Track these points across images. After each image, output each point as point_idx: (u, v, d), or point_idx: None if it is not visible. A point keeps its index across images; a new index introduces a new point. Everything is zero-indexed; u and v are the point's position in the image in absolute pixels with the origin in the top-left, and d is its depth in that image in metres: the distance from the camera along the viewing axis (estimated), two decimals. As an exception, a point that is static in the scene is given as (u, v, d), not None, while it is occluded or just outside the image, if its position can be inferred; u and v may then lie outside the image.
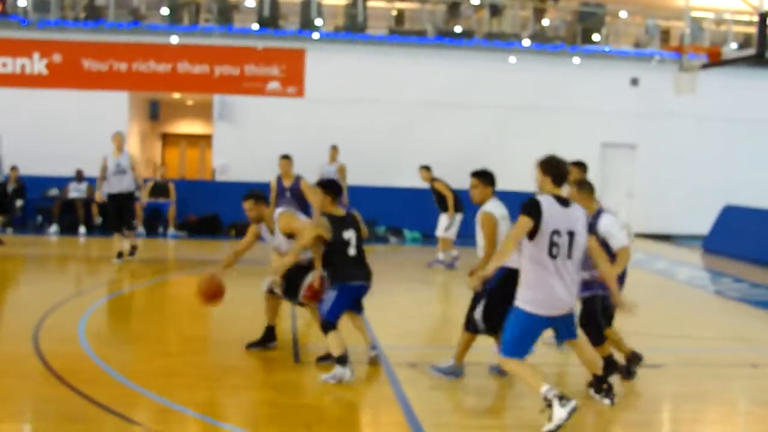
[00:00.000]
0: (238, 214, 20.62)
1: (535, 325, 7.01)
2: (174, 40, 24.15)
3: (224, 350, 9.94)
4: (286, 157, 14.80)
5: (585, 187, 8.42)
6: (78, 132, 22.48)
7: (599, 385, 7.77)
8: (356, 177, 22.28)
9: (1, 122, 21.72)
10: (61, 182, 22.30)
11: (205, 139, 26.70)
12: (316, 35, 24.58)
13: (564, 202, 7.01)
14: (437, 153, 22.72)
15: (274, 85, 24.29)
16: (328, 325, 8.39)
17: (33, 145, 21.04)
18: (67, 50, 23.87)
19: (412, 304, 13.19)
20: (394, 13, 27.72)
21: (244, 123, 23.66)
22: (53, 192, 22.44)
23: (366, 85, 24.23)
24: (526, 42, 25.60)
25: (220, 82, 24.28)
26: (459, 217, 16.68)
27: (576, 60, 25.33)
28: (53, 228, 21.51)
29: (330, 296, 8.52)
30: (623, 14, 28.74)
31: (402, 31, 26.16)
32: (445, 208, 16.62)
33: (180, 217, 22.33)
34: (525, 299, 6.96)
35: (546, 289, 6.91)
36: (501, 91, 24.64)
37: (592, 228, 7.90)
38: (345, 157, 20.77)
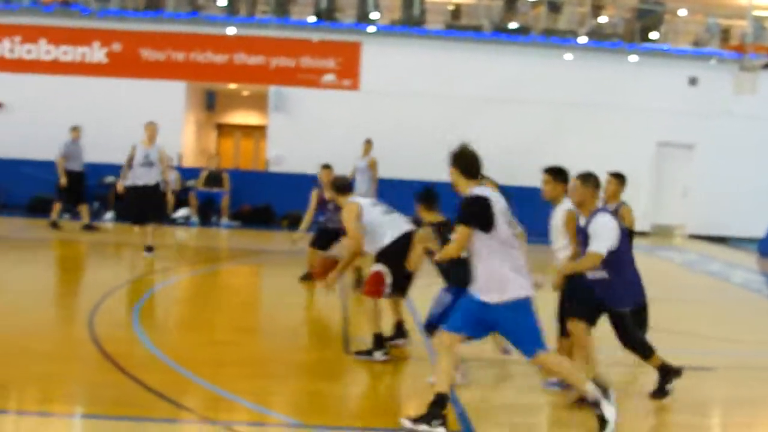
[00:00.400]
0: (291, 205, 20.92)
1: None
2: (231, 31, 24.31)
3: (275, 339, 10.02)
4: (327, 167, 13.47)
5: (589, 181, 8.02)
6: (135, 120, 22.55)
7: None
8: (410, 171, 22.24)
9: (61, 109, 22.04)
10: (118, 170, 22.48)
11: (260, 130, 26.84)
12: (372, 29, 24.61)
13: None
14: (490, 149, 22.52)
15: (329, 77, 24.36)
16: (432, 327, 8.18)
17: (91, 132, 21.24)
18: (126, 39, 24.15)
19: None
20: (451, 7, 27.65)
21: (299, 114, 23.75)
22: (110, 179, 22.69)
23: (421, 80, 24.20)
24: (583, 39, 25.40)
25: (275, 74, 24.40)
26: None
27: (633, 58, 25.07)
28: (109, 215, 21.79)
29: (445, 300, 8.28)
30: (683, 12, 28.39)
31: (458, 26, 26.08)
32: None
33: (233, 207, 22.50)
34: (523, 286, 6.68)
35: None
36: (556, 88, 24.44)
37: (585, 228, 7.60)
38: (398, 151, 20.83)
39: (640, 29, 26.30)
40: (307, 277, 12.62)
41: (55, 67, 24.09)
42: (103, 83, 23.69)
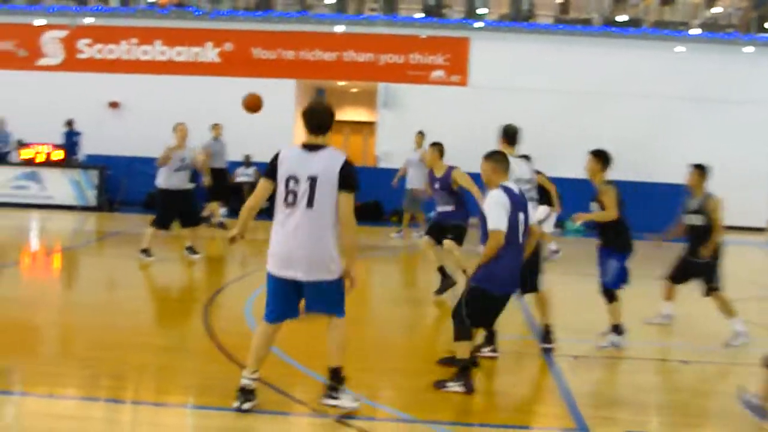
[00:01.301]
0: (400, 201, 20.96)
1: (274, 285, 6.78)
2: (339, 28, 24.51)
3: (386, 334, 10.08)
4: (435, 145, 13.00)
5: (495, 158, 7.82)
6: (247, 119, 22.98)
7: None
8: (518, 166, 22.15)
9: (175, 108, 22.52)
10: (230, 167, 22.95)
11: (369, 127, 26.99)
12: (480, 24, 24.51)
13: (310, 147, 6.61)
14: (600, 143, 22.30)
15: (438, 73, 24.36)
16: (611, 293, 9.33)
17: (203, 130, 21.68)
18: (237, 39, 24.58)
19: (573, 296, 13.01)
20: (560, 1, 27.34)
21: (408, 111, 23.81)
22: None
23: (530, 74, 23.99)
24: (696, 30, 24.82)
25: (384, 70, 24.50)
26: (554, 212, 16.40)
27: (749, 49, 24.39)
28: (222, 211, 22.15)
29: (613, 266, 9.32)
30: (802, 0, 27.52)
31: (567, 20, 25.78)
32: (543, 201, 16.28)
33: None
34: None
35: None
36: (667, 82, 23.95)
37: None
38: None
39: (756, 19, 25.55)
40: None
41: (169, 67, 24.69)
42: (215, 82, 24.16)
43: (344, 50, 24.59)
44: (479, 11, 25.14)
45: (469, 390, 7.44)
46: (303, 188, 6.42)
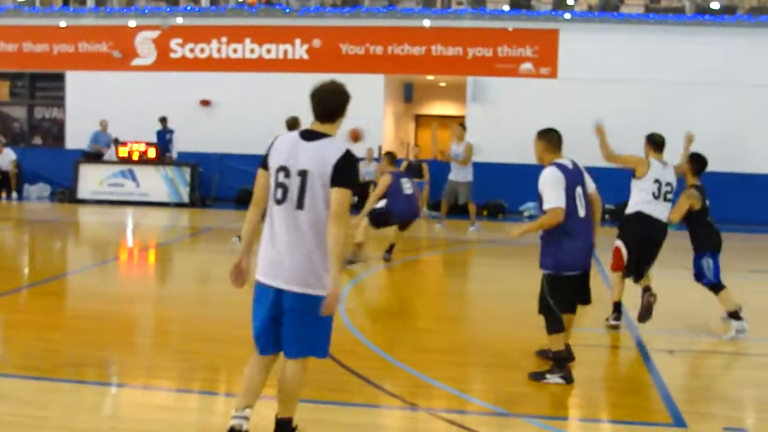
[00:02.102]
0: (491, 194, 20.89)
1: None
2: (427, 23, 24.49)
3: (478, 328, 10.09)
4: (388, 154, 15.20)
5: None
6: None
7: None
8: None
9: (265, 105, 22.80)
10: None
11: (458, 120, 26.91)
12: (568, 15, 24.25)
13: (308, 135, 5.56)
14: (698, 134, 21.97)
15: (527, 66, 24.18)
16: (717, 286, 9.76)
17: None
18: (326, 35, 24.74)
19: (669, 290, 12.81)
20: (651, -10, 26.90)
21: (497, 104, 23.68)
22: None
23: (621, 65, 23.64)
24: (793, 16, 24.17)
25: (472, 64, 24.42)
26: None
27: None
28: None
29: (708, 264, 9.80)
30: None
31: (658, 9, 25.33)
32: None
33: (433, 197, 22.67)
34: None
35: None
36: (765, 70, 23.36)
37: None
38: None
39: None
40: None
41: (259, 65, 24.98)
42: (304, 79, 24.12)
43: (432, 44, 24.56)
44: (568, 2, 24.88)
45: (569, 381, 7.41)
46: (293, 184, 5.35)
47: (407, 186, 13.93)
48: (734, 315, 9.56)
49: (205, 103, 25.03)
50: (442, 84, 27.58)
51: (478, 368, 8.11)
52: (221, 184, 23.70)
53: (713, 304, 10.48)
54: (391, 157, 14.55)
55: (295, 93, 23.55)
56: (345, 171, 5.31)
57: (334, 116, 5.59)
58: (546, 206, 7.40)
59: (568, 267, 7.39)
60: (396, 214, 13.76)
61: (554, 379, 7.44)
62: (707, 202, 9.92)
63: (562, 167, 7.55)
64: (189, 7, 26.04)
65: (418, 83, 27.74)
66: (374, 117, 23.83)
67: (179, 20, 25.38)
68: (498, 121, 23.54)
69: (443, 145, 17.80)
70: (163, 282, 13.27)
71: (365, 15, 24.77)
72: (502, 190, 19.88)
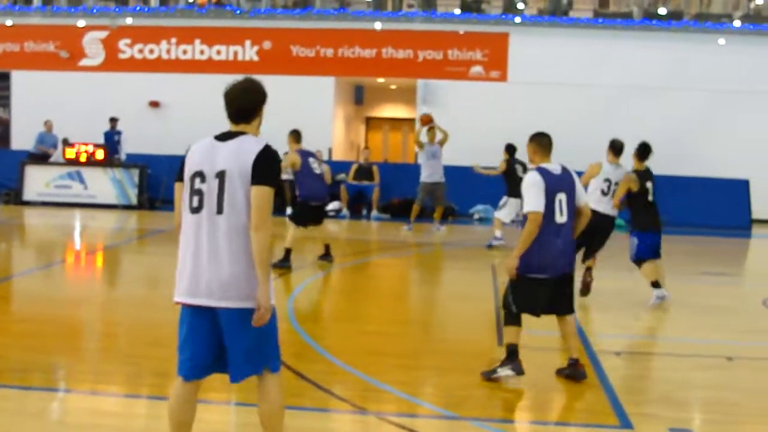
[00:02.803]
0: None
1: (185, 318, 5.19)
2: (378, 26, 24.51)
3: (427, 331, 10.10)
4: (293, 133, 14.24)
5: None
6: (286, 116, 23.11)
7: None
8: (559, 161, 22.03)
9: (215, 107, 22.58)
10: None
11: (408, 123, 26.99)
12: (518, 19, 24.40)
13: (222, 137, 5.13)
14: (641, 137, 22.16)
15: (477, 69, 24.30)
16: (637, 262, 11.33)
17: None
18: (276, 37, 24.68)
19: (616, 292, 12.94)
20: (599, -5, 27.18)
21: (447, 107, 23.73)
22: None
23: (570, 69, 23.85)
24: (738, 23, 24.53)
25: (423, 67, 24.48)
26: (514, 201, 16.59)
27: (793, 41, 24.06)
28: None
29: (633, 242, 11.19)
30: None
31: (607, 14, 25.62)
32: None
33: (383, 199, 22.69)
34: None
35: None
36: (709, 75, 23.66)
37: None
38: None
39: (800, 10, 25.23)
40: None
41: (208, 66, 24.85)
42: (255, 81, 24.23)
43: (383, 47, 24.59)
44: (518, 6, 25.04)
45: (519, 372, 7.44)
46: (211, 188, 4.91)
47: (316, 166, 13.64)
48: (655, 284, 11.14)
49: (155, 104, 24.84)
50: (393, 87, 27.63)
51: (429, 371, 8.11)
52: (170, 186, 23.43)
53: (659, 306, 10.62)
54: (296, 134, 14.03)
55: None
56: (265, 166, 4.88)
57: (248, 117, 5.21)
58: (525, 209, 7.47)
59: (534, 269, 7.41)
60: (311, 196, 13.51)
61: (505, 371, 7.47)
62: (649, 186, 11.00)
63: (543, 171, 7.60)
64: (138, 8, 25.84)
65: (368, 86, 27.76)
66: (324, 119, 23.81)
67: (128, 20, 25.15)
68: (448, 124, 23.55)
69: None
70: (110, 285, 13.13)
71: (316, 17, 24.73)
72: (452, 193, 19.94)
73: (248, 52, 24.83)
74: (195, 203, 4.93)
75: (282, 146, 22.00)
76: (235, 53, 24.89)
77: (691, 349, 9.27)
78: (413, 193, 22.49)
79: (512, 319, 7.58)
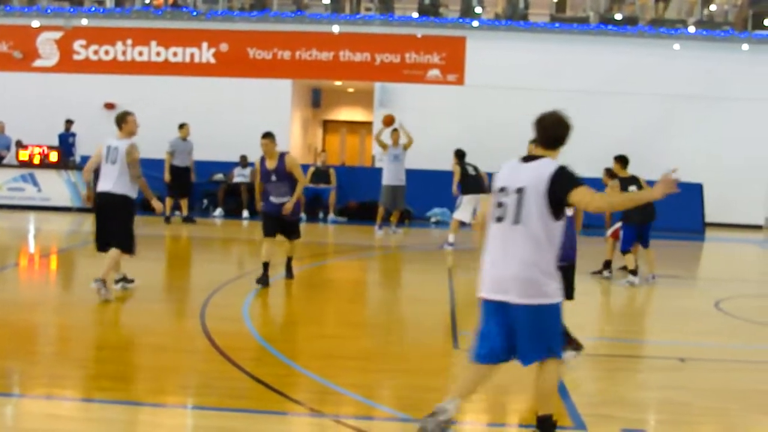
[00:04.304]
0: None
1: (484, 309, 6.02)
2: (336, 28, 24.50)
3: (383, 333, 10.09)
4: (267, 136, 12.35)
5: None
6: (243, 119, 23.11)
7: None
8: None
9: (171, 109, 22.51)
10: (227, 167, 23.00)
11: (366, 126, 27.00)
12: (476, 23, 24.51)
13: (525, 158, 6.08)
14: (598, 142, 22.37)
15: (434, 72, 24.37)
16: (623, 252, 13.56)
17: (200, 131, 21.73)
18: (233, 39, 24.57)
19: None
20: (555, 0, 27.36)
21: (405, 110, 23.68)
22: (218, 177, 23.15)
23: (527, 73, 23.99)
24: (692, 28, 24.83)
25: (380, 70, 24.51)
26: (468, 198, 16.99)
27: (745, 47, 24.37)
28: (218, 211, 22.21)
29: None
30: (798, -3, 27.53)
31: (563, 19, 25.81)
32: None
33: (340, 202, 22.69)
34: None
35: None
36: (664, 80, 23.92)
37: None
38: (505, 145, 20.71)
39: (752, 16, 25.57)
40: None
41: (165, 68, 24.69)
42: (211, 83, 24.16)
43: (340, 50, 24.58)
44: (476, 10, 25.16)
45: (579, 348, 8.30)
46: (510, 201, 5.81)
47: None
48: (633, 272, 13.36)
49: (110, 106, 24.57)
50: (350, 90, 27.63)
51: (386, 374, 8.11)
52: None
53: (615, 308, 10.71)
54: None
55: (202, 97, 23.73)
56: (563, 178, 5.73)
57: (556, 144, 6.02)
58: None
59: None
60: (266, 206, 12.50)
61: (567, 354, 7.89)
62: (632, 189, 13.46)
63: None
64: (93, 8, 25.60)
65: (326, 89, 27.73)
66: (281, 122, 23.74)
67: (83, 21, 24.91)
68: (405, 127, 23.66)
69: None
70: (64, 289, 13.00)
71: (273, 19, 24.67)
72: (409, 197, 19.94)
73: (205, 54, 24.70)
74: (498, 214, 5.86)
75: (243, 150, 21.98)
76: (192, 55, 24.75)
77: (645, 351, 9.38)
78: (370, 196, 22.55)
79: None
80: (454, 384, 6.34)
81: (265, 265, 12.06)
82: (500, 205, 5.86)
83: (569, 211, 7.64)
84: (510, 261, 5.74)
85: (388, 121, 18.99)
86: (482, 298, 5.92)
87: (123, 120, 11.56)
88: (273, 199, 12.17)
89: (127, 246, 11.05)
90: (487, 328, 5.93)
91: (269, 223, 12.33)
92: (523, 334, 5.80)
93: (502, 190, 5.88)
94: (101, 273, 10.60)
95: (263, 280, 11.99)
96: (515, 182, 5.82)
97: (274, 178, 12.04)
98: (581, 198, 5.66)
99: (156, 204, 11.34)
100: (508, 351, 5.93)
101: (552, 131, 6.02)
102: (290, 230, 12.61)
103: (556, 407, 7.08)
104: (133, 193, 11.07)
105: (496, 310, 5.84)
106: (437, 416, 5.86)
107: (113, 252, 10.89)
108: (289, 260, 12.90)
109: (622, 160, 14.19)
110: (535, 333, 5.80)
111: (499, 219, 5.84)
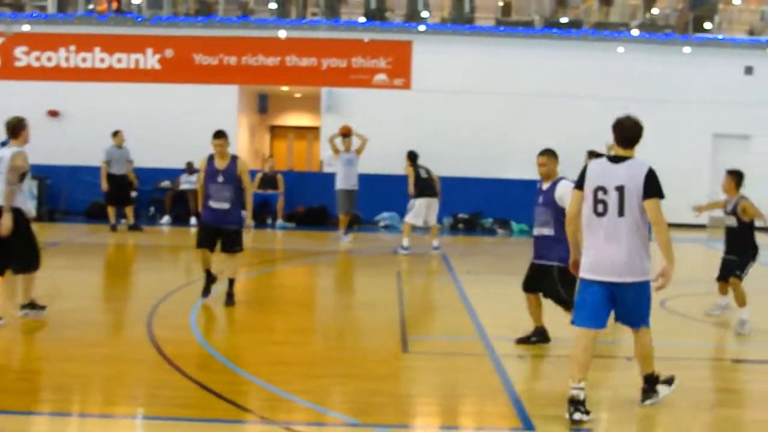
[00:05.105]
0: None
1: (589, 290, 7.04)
2: (282, 33, 24.43)
3: (332, 339, 10.08)
4: (221, 136, 11.56)
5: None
6: (189, 125, 22.93)
7: None
8: (463, 169, 22.39)
9: (116, 116, 22.27)
10: (173, 174, 22.81)
11: (313, 131, 26.93)
12: (422, 27, 24.58)
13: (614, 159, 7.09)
14: (544, 144, 22.47)
15: (381, 77, 24.38)
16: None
17: (146, 138, 21.56)
18: (179, 45, 24.38)
19: (520, 297, 13.07)
20: (501, 3, 27.53)
21: (352, 115, 23.69)
22: (165, 184, 22.97)
23: (473, 77, 24.11)
24: (635, 31, 25.12)
25: (327, 75, 24.47)
26: (420, 201, 17.08)
27: (687, 49, 24.72)
28: (165, 219, 22.02)
29: None
30: (737, 1, 27.99)
31: (509, 22, 25.98)
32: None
33: (288, 208, 22.62)
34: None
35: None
36: (609, 83, 24.16)
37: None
38: (452, 149, 20.86)
39: (693, 19, 25.95)
40: None
41: (109, 75, 24.41)
42: (157, 89, 23.95)
43: (287, 55, 24.49)
44: (422, 14, 25.23)
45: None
46: (612, 198, 6.85)
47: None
48: None
49: (54, 113, 24.30)
50: (297, 95, 27.55)
51: (334, 379, 8.07)
52: (70, 197, 23.01)
53: (559, 309, 10.76)
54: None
55: (147, 103, 23.52)
56: (653, 183, 6.84)
57: (633, 144, 7.07)
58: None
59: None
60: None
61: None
62: None
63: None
64: (35, 14, 25.27)
65: (272, 94, 27.63)
66: (228, 128, 23.50)
67: (25, 27, 24.56)
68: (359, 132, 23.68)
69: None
70: (6, 300, 12.77)
71: (219, 25, 24.52)
72: (358, 201, 19.93)
73: (150, 60, 24.47)
74: (600, 209, 6.89)
75: (190, 157, 21.83)
76: (137, 61, 24.51)
77: (595, 351, 9.42)
78: (318, 202, 22.53)
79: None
80: (572, 366, 6.94)
81: (208, 272, 11.52)
82: (601, 202, 6.88)
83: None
84: (617, 248, 6.82)
85: (346, 131, 19.04)
86: (587, 279, 6.97)
87: (19, 126, 10.35)
88: (212, 203, 11.23)
89: (28, 263, 10.10)
90: (594, 302, 6.96)
91: (205, 232, 11.38)
92: (627, 306, 7.01)
93: (601, 189, 6.88)
94: (22, 299, 10.11)
95: (206, 291, 11.51)
96: (612, 181, 6.85)
97: (221, 178, 11.23)
98: (652, 208, 6.79)
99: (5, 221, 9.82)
100: (606, 321, 7.07)
101: (631, 132, 7.06)
102: (230, 241, 11.33)
103: (506, 408, 7.12)
104: (24, 206, 10.24)
105: (601, 288, 6.92)
106: (576, 403, 6.77)
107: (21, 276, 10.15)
108: (231, 283, 11.49)
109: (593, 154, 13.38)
110: (637, 304, 7.00)
111: (602, 214, 6.88)
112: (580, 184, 7.09)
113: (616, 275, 6.86)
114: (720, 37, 25.45)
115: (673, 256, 6.86)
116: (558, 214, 9.05)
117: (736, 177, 11.19)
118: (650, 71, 24.27)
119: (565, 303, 9.15)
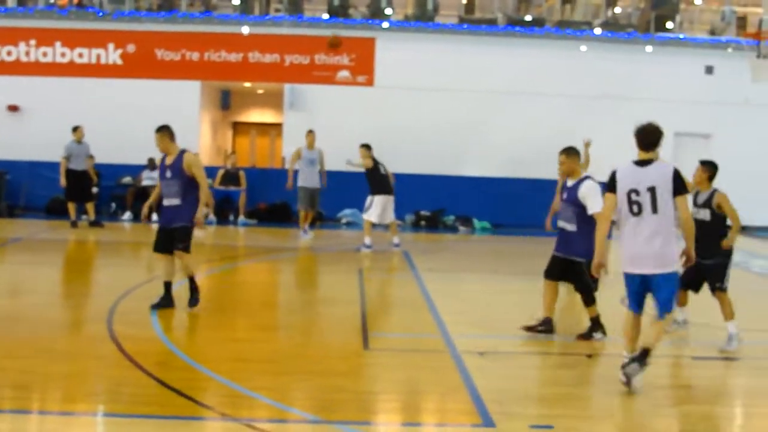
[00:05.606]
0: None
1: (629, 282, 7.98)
2: (245, 29, 24.34)
3: (294, 336, 10.08)
4: (159, 130, 11.52)
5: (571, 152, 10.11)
6: (151, 121, 22.57)
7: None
8: (426, 166, 22.45)
9: (77, 111, 22.08)
10: (135, 170, 22.67)
11: (276, 128, 26.85)
12: (385, 24, 24.59)
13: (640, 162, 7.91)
14: (507, 142, 22.71)
15: (344, 73, 24.36)
16: None
17: (107, 133, 21.40)
18: (140, 40, 24.21)
19: (482, 294, 13.16)
20: (464, 1, 27.61)
21: (315, 111, 23.71)
22: (127, 180, 22.82)
23: (436, 74, 24.14)
24: (598, 30, 25.29)
25: (290, 71, 24.41)
26: (379, 199, 17.17)
27: (649, 48, 24.92)
28: (127, 215, 21.88)
29: None
30: (698, 1, 28.26)
31: (472, 20, 26.04)
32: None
33: (250, 204, 22.57)
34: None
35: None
36: (572, 81, 24.30)
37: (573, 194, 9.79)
38: (414, 146, 20.85)
39: (655, 19, 26.18)
40: None
41: (70, 70, 24.18)
42: (118, 84, 23.76)
43: (249, 51, 24.40)
44: (385, 11, 25.25)
45: (605, 333, 9.79)
46: (644, 198, 7.68)
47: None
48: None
49: (13, 108, 24.04)
50: (260, 91, 27.46)
51: (296, 376, 8.08)
52: (31, 192, 22.81)
53: (521, 306, 10.83)
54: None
55: (108, 98, 23.34)
56: (680, 181, 7.70)
57: (655, 146, 7.94)
58: (591, 211, 9.55)
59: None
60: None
61: (597, 336, 9.79)
62: None
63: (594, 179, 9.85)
64: (-5, 8, 25.01)
65: (235, 90, 27.52)
66: (190, 124, 23.48)
67: (-17, 21, 24.31)
68: (315, 129, 23.62)
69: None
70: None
71: (181, 20, 24.39)
72: (320, 198, 19.92)
73: (111, 55, 24.28)
74: (635, 209, 7.75)
75: (151, 153, 21.69)
76: (98, 56, 24.30)
77: (554, 348, 9.53)
78: (281, 198, 22.48)
79: (593, 298, 9.86)
80: (625, 340, 8.12)
81: (167, 285, 10.89)
82: (635, 203, 7.72)
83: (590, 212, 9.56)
84: (652, 243, 7.69)
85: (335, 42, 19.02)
86: (627, 272, 7.93)
87: None
88: (164, 201, 10.84)
89: None
90: (633, 291, 7.97)
91: (159, 233, 10.95)
92: (658, 293, 7.81)
93: (634, 191, 7.72)
94: None
95: (166, 302, 10.80)
96: (644, 183, 7.69)
97: (168, 174, 10.80)
98: (681, 204, 7.69)
99: None
100: (642, 307, 8.03)
101: (652, 137, 7.95)
102: (175, 238, 10.72)
103: (466, 405, 7.17)
104: None
105: (636, 280, 7.87)
106: (632, 368, 7.63)
107: None
108: (191, 281, 10.97)
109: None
110: (666, 292, 7.80)
111: (637, 213, 7.73)
112: (612, 188, 7.92)
113: (650, 268, 7.71)
114: (681, 36, 25.68)
115: (693, 241, 7.86)
116: (580, 211, 9.69)
117: (710, 168, 10.46)
118: (613, 70, 24.43)
119: (590, 295, 9.84)
